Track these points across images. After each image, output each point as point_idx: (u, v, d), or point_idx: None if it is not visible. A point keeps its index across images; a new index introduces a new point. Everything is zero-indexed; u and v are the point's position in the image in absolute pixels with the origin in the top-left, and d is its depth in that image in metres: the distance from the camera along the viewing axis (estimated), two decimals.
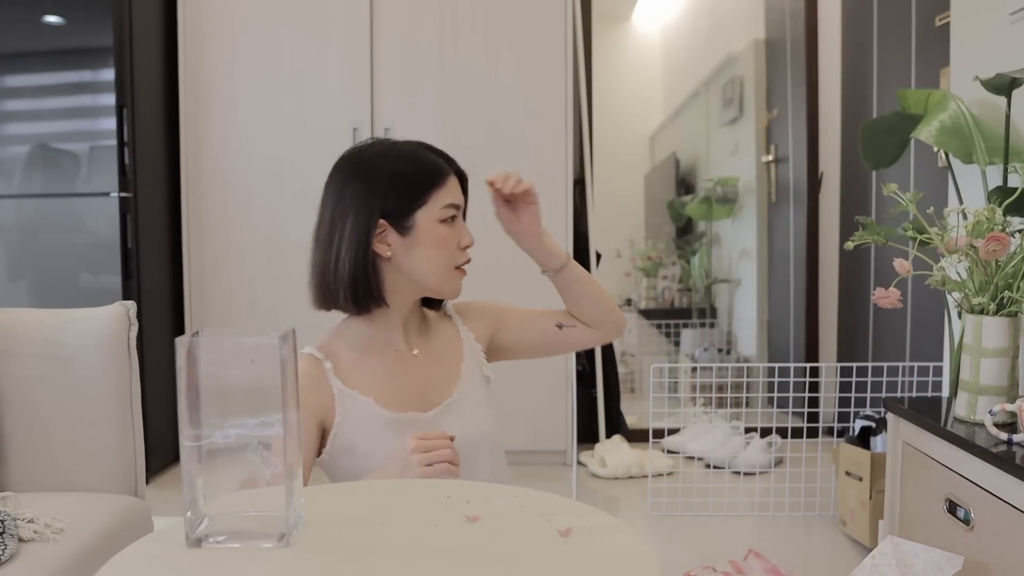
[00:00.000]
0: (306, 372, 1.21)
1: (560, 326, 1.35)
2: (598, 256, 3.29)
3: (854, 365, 2.72)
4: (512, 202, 1.28)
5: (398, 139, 1.25)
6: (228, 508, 0.85)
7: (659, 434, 3.11)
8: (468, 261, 1.24)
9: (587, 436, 3.27)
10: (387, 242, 1.19)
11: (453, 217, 1.22)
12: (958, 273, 1.50)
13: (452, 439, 1.10)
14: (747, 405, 3.36)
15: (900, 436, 1.66)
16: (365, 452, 1.18)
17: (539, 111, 2.97)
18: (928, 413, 1.58)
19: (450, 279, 1.23)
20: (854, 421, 2.41)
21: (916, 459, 1.58)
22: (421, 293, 1.26)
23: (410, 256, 1.19)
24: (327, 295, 1.22)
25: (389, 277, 1.21)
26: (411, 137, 1.15)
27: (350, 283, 1.19)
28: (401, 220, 1.18)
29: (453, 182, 1.22)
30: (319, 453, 1.21)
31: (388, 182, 1.18)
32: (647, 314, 4.72)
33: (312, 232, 1.23)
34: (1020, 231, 1.46)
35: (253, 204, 3.03)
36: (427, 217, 1.19)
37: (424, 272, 1.20)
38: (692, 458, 3.11)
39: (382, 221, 1.18)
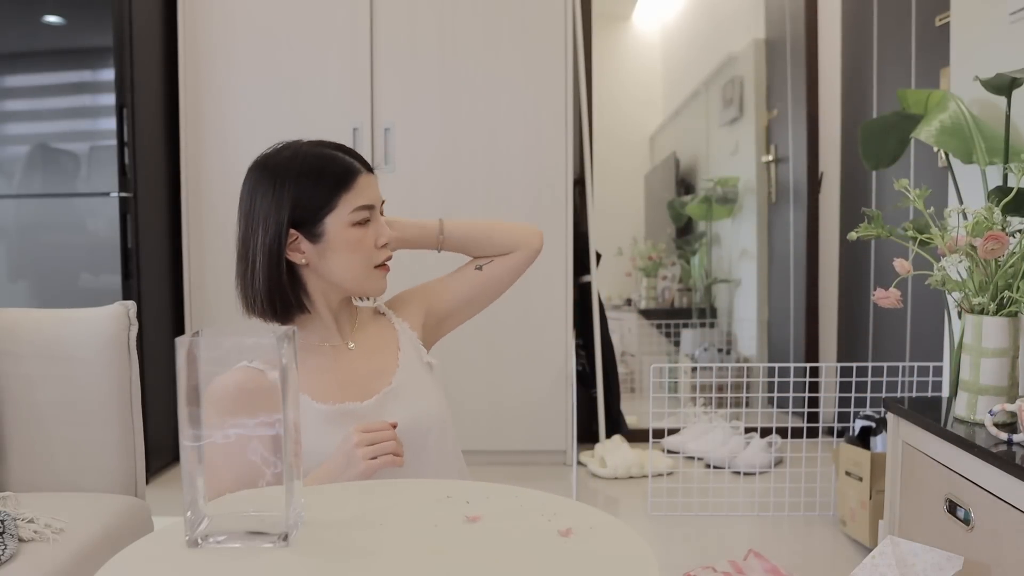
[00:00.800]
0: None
1: (479, 267, 1.36)
2: (598, 256, 3.29)
3: (854, 365, 2.72)
4: None
5: (306, 141, 1.23)
6: (228, 508, 0.85)
7: (659, 434, 3.10)
8: (389, 258, 1.24)
9: (587, 436, 3.27)
10: (300, 250, 1.19)
11: (367, 220, 1.20)
12: (958, 273, 1.50)
13: (394, 426, 1.10)
14: (747, 405, 3.36)
15: (900, 436, 1.66)
16: (307, 450, 1.16)
17: (539, 111, 2.97)
18: (928, 413, 1.58)
19: (370, 279, 1.22)
20: (854, 421, 2.41)
21: (916, 459, 1.58)
22: (345, 294, 1.26)
23: (325, 262, 1.19)
24: (248, 305, 1.25)
25: (311, 282, 1.22)
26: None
27: (267, 294, 1.21)
28: (311, 228, 1.18)
29: (365, 181, 1.20)
30: None
31: (295, 190, 1.17)
32: (647, 314, 4.72)
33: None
34: (1020, 231, 1.46)
35: None
36: (336, 222, 1.18)
37: (342, 276, 1.21)
38: (692, 458, 3.11)
39: (293, 230, 1.18)
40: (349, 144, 2.98)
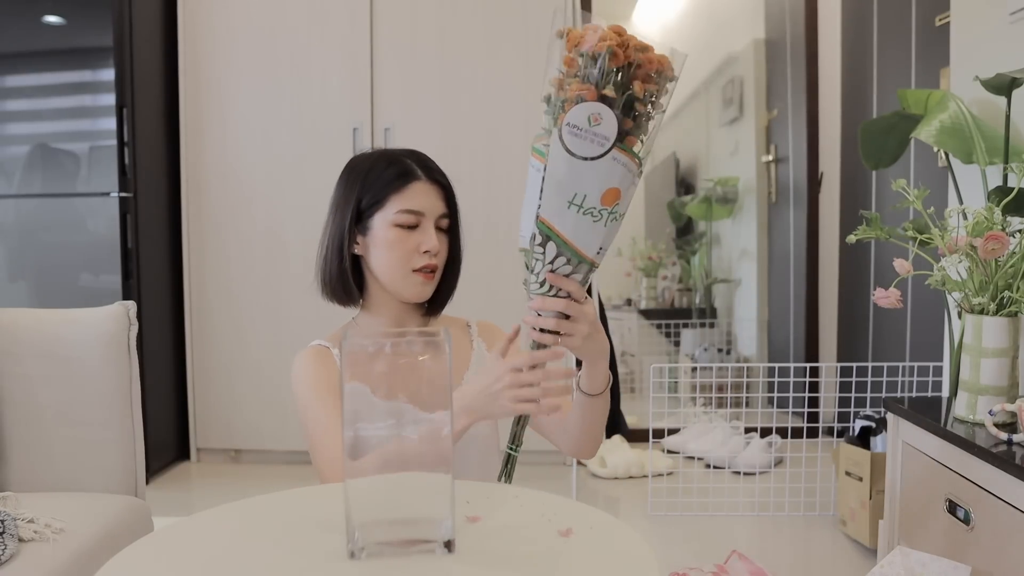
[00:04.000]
0: (318, 359, 1.24)
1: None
2: None
3: (854, 365, 2.72)
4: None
5: (397, 148, 1.29)
6: (381, 515, 0.83)
7: (659, 434, 3.10)
8: (428, 266, 1.24)
9: None
10: (357, 240, 1.26)
11: (413, 224, 1.22)
12: (958, 273, 1.50)
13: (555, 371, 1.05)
14: (747, 405, 3.36)
15: (900, 436, 1.66)
16: (364, 436, 1.16)
17: (539, 111, 2.96)
18: (928, 413, 1.58)
19: (407, 281, 1.24)
20: (854, 421, 2.41)
21: (916, 459, 1.58)
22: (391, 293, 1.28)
23: (370, 256, 1.25)
24: (320, 287, 1.30)
25: (368, 274, 1.27)
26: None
27: (328, 278, 1.28)
28: (364, 221, 1.24)
29: (420, 189, 1.23)
30: None
31: (360, 185, 1.24)
32: (647, 314, 4.72)
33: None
34: (1020, 231, 1.46)
35: (253, 204, 3.03)
36: (382, 220, 1.22)
37: (381, 272, 1.24)
38: (692, 458, 3.11)
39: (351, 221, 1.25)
40: (349, 144, 2.99)
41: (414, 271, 1.23)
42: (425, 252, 1.23)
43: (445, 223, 1.27)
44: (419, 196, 1.23)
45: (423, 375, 0.85)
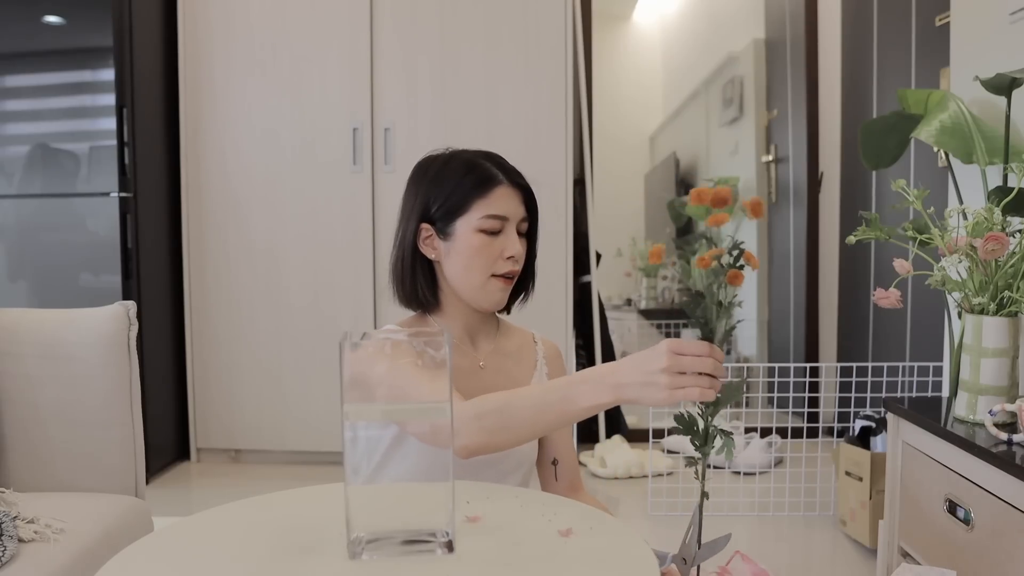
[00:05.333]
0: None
1: (555, 463, 1.36)
2: (598, 256, 3.29)
3: (854, 365, 2.72)
4: None
5: (472, 149, 1.27)
6: (383, 514, 0.83)
7: (659, 434, 3.10)
8: (510, 272, 1.22)
9: (587, 436, 3.27)
10: (433, 246, 1.23)
11: (498, 229, 1.21)
12: (958, 273, 1.50)
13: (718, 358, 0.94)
14: (747, 405, 3.36)
15: (900, 436, 1.66)
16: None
17: (539, 111, 2.97)
18: (928, 413, 1.58)
19: (486, 288, 1.21)
20: (854, 421, 2.41)
21: (916, 459, 1.58)
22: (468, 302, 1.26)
23: (450, 261, 1.22)
24: (393, 291, 1.28)
25: (442, 279, 1.25)
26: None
27: (401, 282, 1.25)
28: (444, 226, 1.21)
29: (503, 193, 1.21)
30: None
31: (437, 188, 1.22)
32: (647, 314, 4.72)
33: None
34: (1020, 231, 1.46)
35: (253, 204, 3.03)
36: (465, 225, 1.20)
37: (459, 278, 1.22)
38: (692, 458, 3.11)
39: (426, 225, 1.22)
40: (349, 144, 2.99)
41: (493, 276, 1.21)
42: (509, 258, 1.21)
43: (525, 227, 1.25)
44: (503, 200, 1.21)
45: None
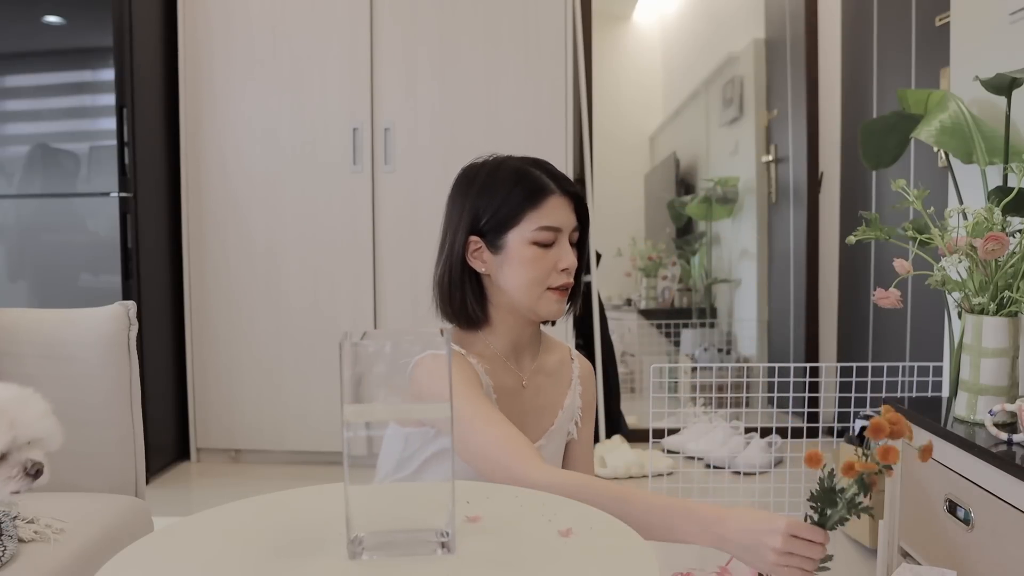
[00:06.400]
0: (460, 362, 1.16)
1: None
2: (598, 256, 3.29)
3: (854, 365, 2.72)
4: None
5: (516, 156, 1.23)
6: (385, 517, 0.82)
7: (659, 434, 3.10)
8: (565, 284, 1.20)
9: None
10: (483, 259, 1.19)
11: (551, 241, 1.18)
12: (958, 273, 1.50)
13: (824, 545, 0.92)
14: (747, 405, 3.35)
15: None
16: None
17: (539, 111, 2.97)
18: (928, 413, 1.58)
19: (543, 300, 1.19)
20: (854, 421, 2.41)
21: (916, 459, 1.58)
22: (524, 315, 1.22)
23: (502, 274, 1.19)
24: (438, 306, 1.23)
25: (493, 294, 1.21)
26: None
27: (449, 298, 1.21)
28: (494, 239, 1.18)
29: (556, 203, 1.18)
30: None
31: (485, 198, 1.18)
32: (647, 314, 4.72)
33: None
34: (1020, 231, 1.46)
35: (253, 204, 3.03)
36: (518, 237, 1.16)
37: (513, 291, 1.18)
38: (692, 458, 3.11)
39: (475, 237, 1.19)
40: (349, 144, 2.99)
41: (549, 289, 1.18)
42: (563, 270, 1.18)
43: (576, 236, 1.22)
44: (556, 211, 1.18)
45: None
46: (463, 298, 1.20)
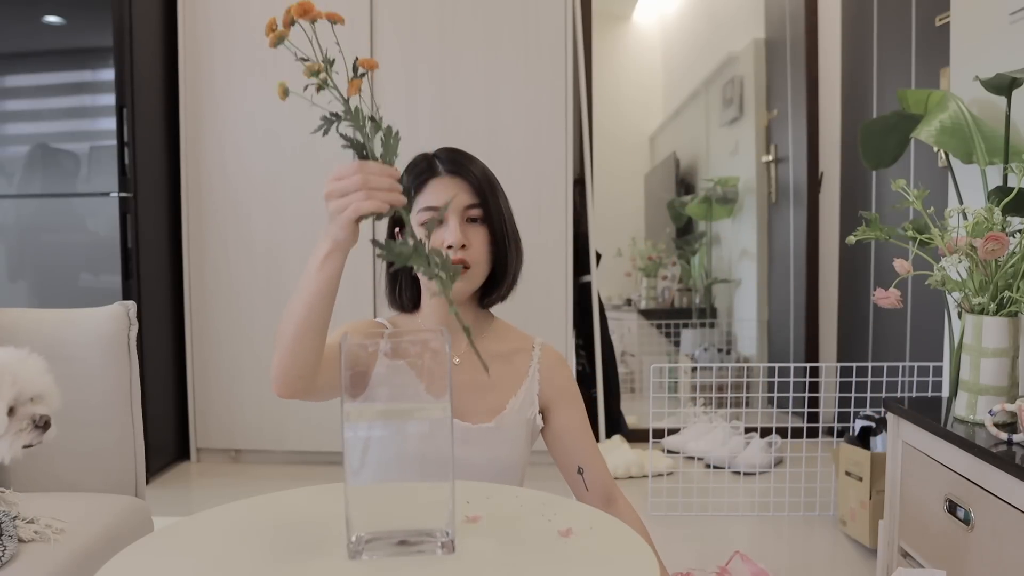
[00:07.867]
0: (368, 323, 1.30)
1: (581, 471, 1.35)
2: (598, 256, 3.29)
3: (854, 365, 2.72)
4: None
5: (439, 148, 1.28)
6: (381, 513, 0.82)
7: (659, 434, 3.10)
8: (457, 261, 1.20)
9: None
10: None
11: (435, 221, 1.18)
12: (958, 273, 1.50)
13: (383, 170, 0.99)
14: (747, 405, 3.35)
15: (900, 436, 1.66)
16: None
17: (539, 111, 2.97)
18: (928, 413, 1.58)
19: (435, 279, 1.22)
20: (854, 421, 2.41)
21: (916, 459, 1.58)
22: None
23: None
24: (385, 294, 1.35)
25: (421, 279, 1.29)
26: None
27: (388, 285, 1.34)
28: (404, 227, 1.21)
29: (438, 184, 1.22)
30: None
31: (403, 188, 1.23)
32: (647, 314, 4.72)
33: None
34: (1020, 231, 1.46)
35: (253, 204, 3.03)
36: (414, 222, 1.22)
37: (419, 274, 1.19)
38: (692, 458, 3.11)
39: (398, 228, 1.26)
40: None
41: None
42: (449, 247, 1.19)
43: (477, 213, 1.22)
44: (437, 192, 1.21)
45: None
46: (394, 285, 1.32)
